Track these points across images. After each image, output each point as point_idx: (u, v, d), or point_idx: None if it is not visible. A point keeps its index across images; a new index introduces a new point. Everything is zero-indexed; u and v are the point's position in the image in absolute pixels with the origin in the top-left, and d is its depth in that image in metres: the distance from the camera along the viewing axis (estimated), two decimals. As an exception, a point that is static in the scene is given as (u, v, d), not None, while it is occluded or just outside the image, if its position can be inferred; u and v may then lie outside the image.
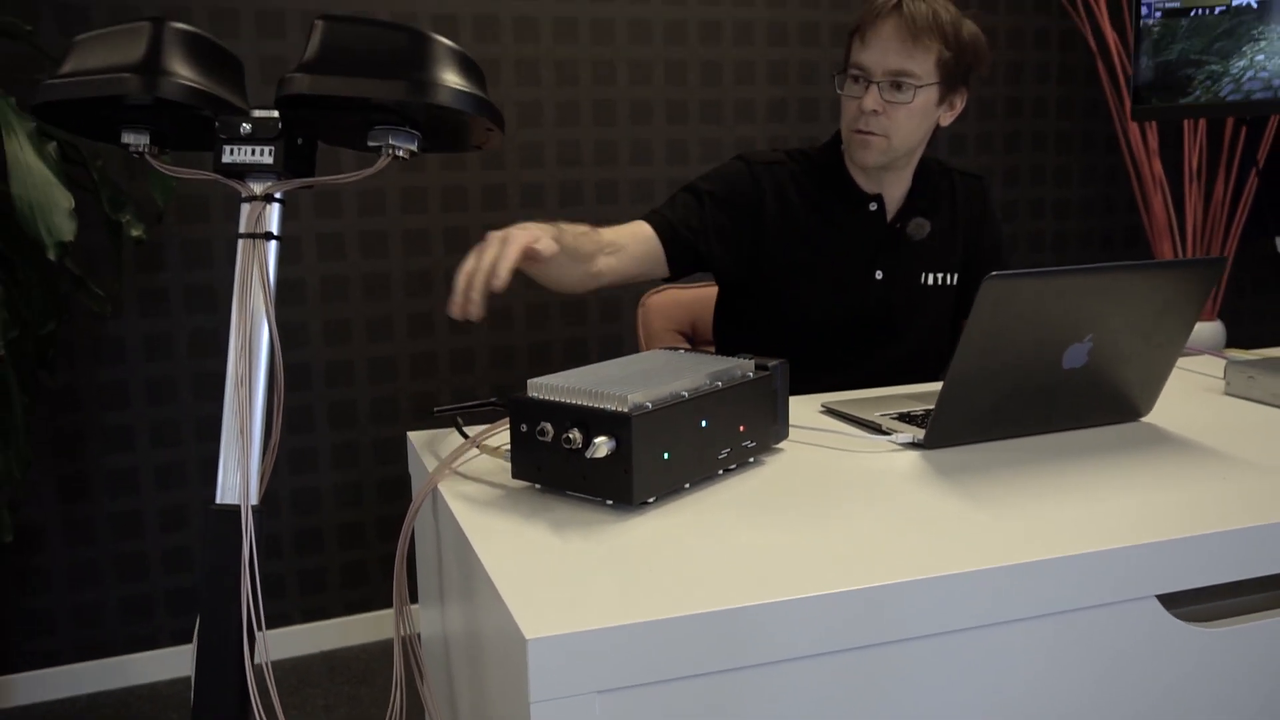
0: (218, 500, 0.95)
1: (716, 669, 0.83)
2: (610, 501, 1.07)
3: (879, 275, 1.75)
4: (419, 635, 1.32)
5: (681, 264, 1.67)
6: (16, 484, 1.93)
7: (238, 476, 0.95)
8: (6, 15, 2.13)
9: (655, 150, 2.74)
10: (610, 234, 1.58)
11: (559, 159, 2.65)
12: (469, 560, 0.99)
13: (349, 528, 2.60)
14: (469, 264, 1.16)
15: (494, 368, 2.66)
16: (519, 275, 1.25)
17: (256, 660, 0.94)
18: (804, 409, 1.45)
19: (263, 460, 0.96)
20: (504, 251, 1.17)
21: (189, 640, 2.49)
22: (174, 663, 2.48)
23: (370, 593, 2.64)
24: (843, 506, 1.05)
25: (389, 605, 2.65)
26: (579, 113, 2.65)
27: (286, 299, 2.45)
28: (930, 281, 1.78)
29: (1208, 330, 3.04)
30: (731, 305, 1.82)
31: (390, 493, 2.63)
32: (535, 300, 2.68)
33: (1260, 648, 1.02)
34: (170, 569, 2.46)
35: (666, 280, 1.71)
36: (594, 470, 1.04)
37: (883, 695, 0.89)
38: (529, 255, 1.23)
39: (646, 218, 1.66)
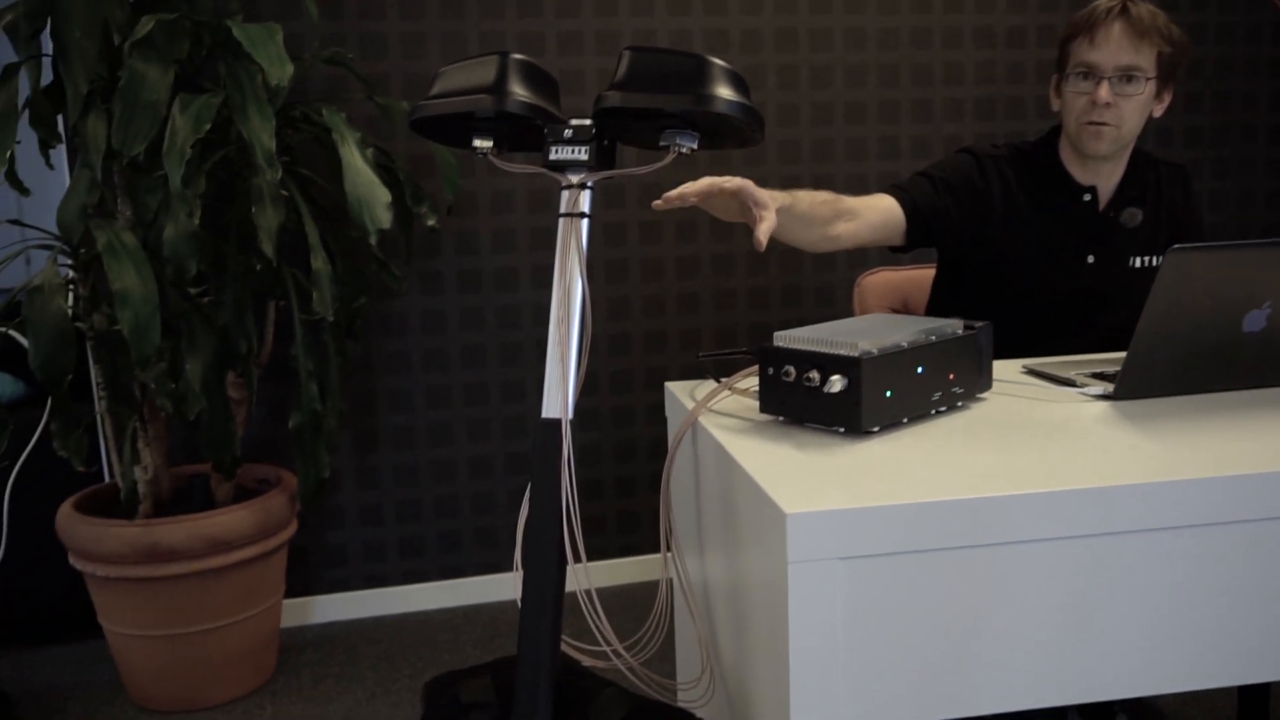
0: (544, 415, 1.26)
1: (936, 547, 1.07)
2: (842, 430, 1.32)
3: (1091, 260, 1.92)
4: (678, 556, 1.61)
5: (914, 238, 1.87)
6: (332, 431, 2.34)
7: (558, 396, 1.25)
8: (331, 47, 2.55)
9: (869, 147, 2.96)
10: (852, 202, 1.78)
11: (779, 158, 2.91)
12: (729, 470, 1.26)
13: (624, 481, 2.93)
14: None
15: (718, 344, 2.94)
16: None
17: (576, 589, 1.23)
18: (1007, 369, 1.66)
19: (576, 384, 1.27)
20: (722, 183, 1.38)
21: (456, 576, 2.88)
22: (442, 595, 2.86)
23: (642, 539, 2.97)
24: (1040, 439, 1.27)
25: (654, 551, 2.97)
26: (798, 114, 2.90)
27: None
28: (1138, 265, 1.94)
29: None
30: (949, 284, 2.02)
31: (659, 450, 2.95)
32: (757, 285, 2.95)
33: None
34: (440, 514, 2.84)
35: (896, 250, 1.91)
36: (829, 404, 1.30)
37: (1073, 585, 1.11)
38: (728, 192, 1.42)
39: (889, 191, 1.87)
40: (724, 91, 1.21)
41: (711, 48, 2.84)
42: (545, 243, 2.80)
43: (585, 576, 1.26)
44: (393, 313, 2.73)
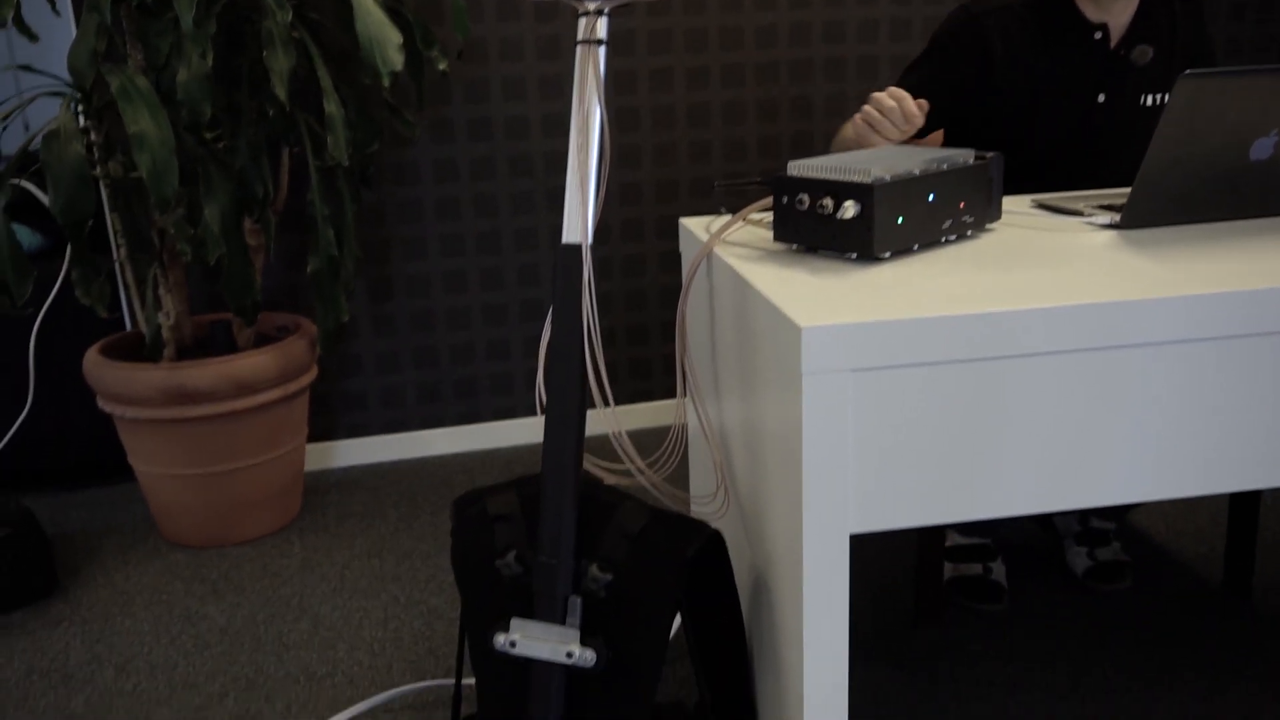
0: (564, 241, 1.29)
1: (945, 360, 1.12)
2: (854, 255, 1.36)
3: (1101, 99, 1.92)
4: (692, 384, 1.66)
5: (937, 118, 1.94)
6: (349, 276, 2.38)
7: (578, 220, 1.29)
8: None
9: (880, 28, 2.92)
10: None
11: None
12: (744, 293, 1.30)
13: (635, 330, 2.98)
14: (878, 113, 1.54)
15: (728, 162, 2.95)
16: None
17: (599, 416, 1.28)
18: (1016, 203, 1.69)
19: (595, 209, 1.30)
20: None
21: (473, 421, 2.96)
22: (458, 440, 2.95)
23: (653, 385, 3.04)
24: (1047, 264, 1.31)
25: (638, 400, 3.05)
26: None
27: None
28: (1149, 103, 1.94)
29: None
30: (961, 130, 2.03)
31: (636, 301, 3.00)
32: (767, 134, 2.94)
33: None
34: (456, 361, 2.91)
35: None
36: (842, 230, 1.33)
37: (1078, 398, 1.16)
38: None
39: (906, 81, 1.93)
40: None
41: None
42: (556, 91, 2.79)
43: (605, 389, 1.32)
44: (405, 161, 2.74)
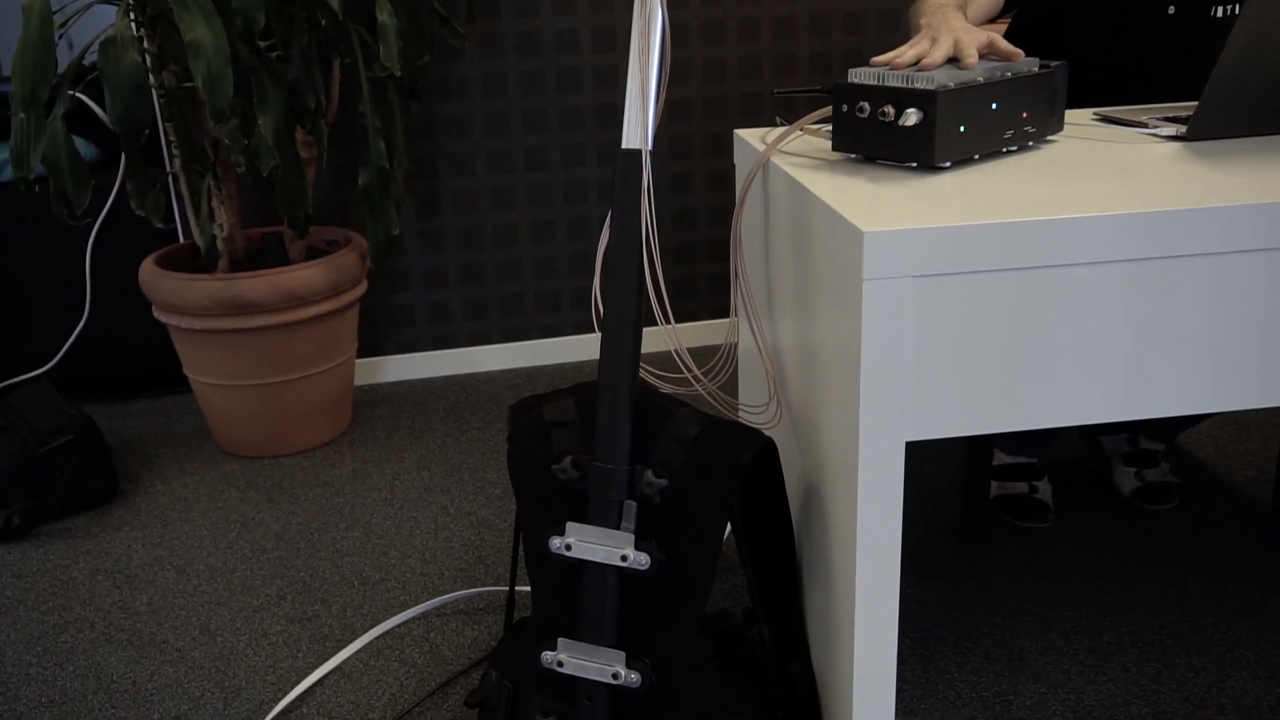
0: (624, 145, 1.29)
1: (1006, 267, 1.11)
2: (915, 164, 1.34)
3: (1171, 10, 1.87)
4: (748, 302, 1.66)
5: (1007, 7, 1.89)
6: (399, 190, 2.38)
7: (638, 127, 1.28)
8: None
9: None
10: None
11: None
12: (803, 201, 1.29)
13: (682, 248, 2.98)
14: (926, 44, 1.42)
15: (814, 73, 2.92)
16: None
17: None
18: (1080, 115, 1.66)
19: (656, 114, 1.29)
20: (970, 41, 1.41)
21: (519, 339, 2.98)
22: (506, 356, 2.97)
23: (696, 305, 3.04)
24: (1109, 174, 1.29)
25: (683, 320, 3.05)
26: None
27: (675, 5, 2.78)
28: (1221, 14, 1.89)
29: None
30: (1027, 45, 1.98)
31: (685, 220, 2.99)
32: (819, 49, 2.89)
33: None
34: (503, 278, 2.92)
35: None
36: (903, 138, 1.32)
37: (1135, 307, 1.15)
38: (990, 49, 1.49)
39: None
40: None
41: None
42: (607, 5, 2.75)
43: (663, 296, 1.32)
44: (453, 75, 2.73)
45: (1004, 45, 1.41)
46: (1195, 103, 1.76)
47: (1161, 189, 1.19)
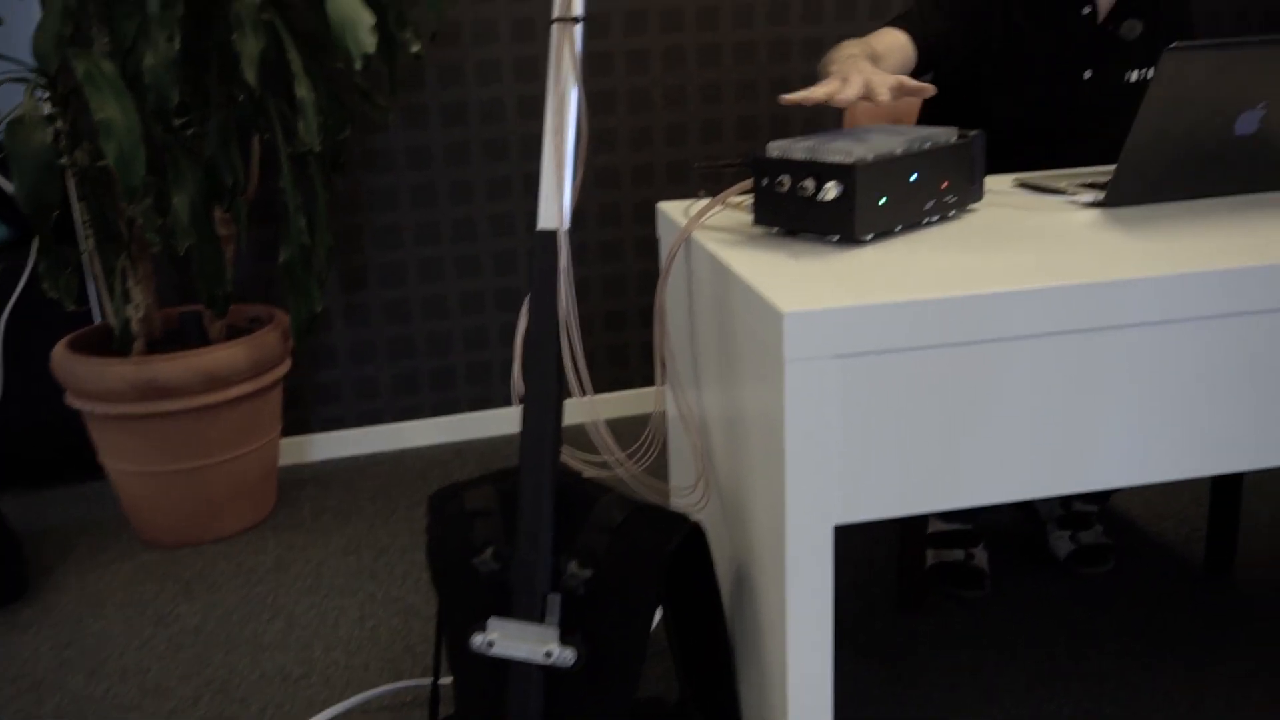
0: (539, 227, 1.26)
1: (930, 344, 1.09)
2: (836, 238, 1.33)
3: (1088, 75, 1.89)
4: (668, 370, 1.63)
5: (922, 67, 1.85)
6: (322, 267, 2.33)
7: (554, 206, 1.25)
8: None
9: (858, 6, 2.88)
10: (877, 46, 1.74)
11: (768, -19, 2.84)
12: (724, 279, 1.27)
13: (613, 315, 2.95)
14: (832, 85, 1.37)
15: (740, 139, 2.92)
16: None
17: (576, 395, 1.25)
18: (1000, 182, 1.66)
19: (571, 193, 1.26)
20: (880, 81, 1.37)
21: (450, 412, 2.92)
22: (434, 432, 2.91)
23: (631, 374, 3.00)
24: (1031, 243, 1.28)
25: (616, 389, 3.01)
26: (788, -65, 2.81)
27: (596, 109, 2.76)
28: (1135, 79, 1.92)
29: None
30: (944, 105, 2.00)
31: (615, 287, 2.96)
32: (746, 114, 2.91)
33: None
34: (432, 351, 2.86)
35: None
36: (823, 212, 1.30)
37: (1064, 380, 1.13)
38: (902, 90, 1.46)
39: (898, 25, 1.83)
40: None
41: None
42: (532, 73, 2.75)
43: (584, 380, 1.28)
44: (377, 147, 2.69)
45: (913, 83, 1.40)
46: (1113, 166, 1.78)
47: (1084, 259, 1.18)
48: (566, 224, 1.25)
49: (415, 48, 2.26)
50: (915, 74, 1.86)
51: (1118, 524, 2.23)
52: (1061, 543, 2.09)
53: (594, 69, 2.79)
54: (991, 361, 1.12)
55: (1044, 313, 1.10)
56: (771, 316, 1.09)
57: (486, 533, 1.29)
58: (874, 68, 1.45)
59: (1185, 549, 2.11)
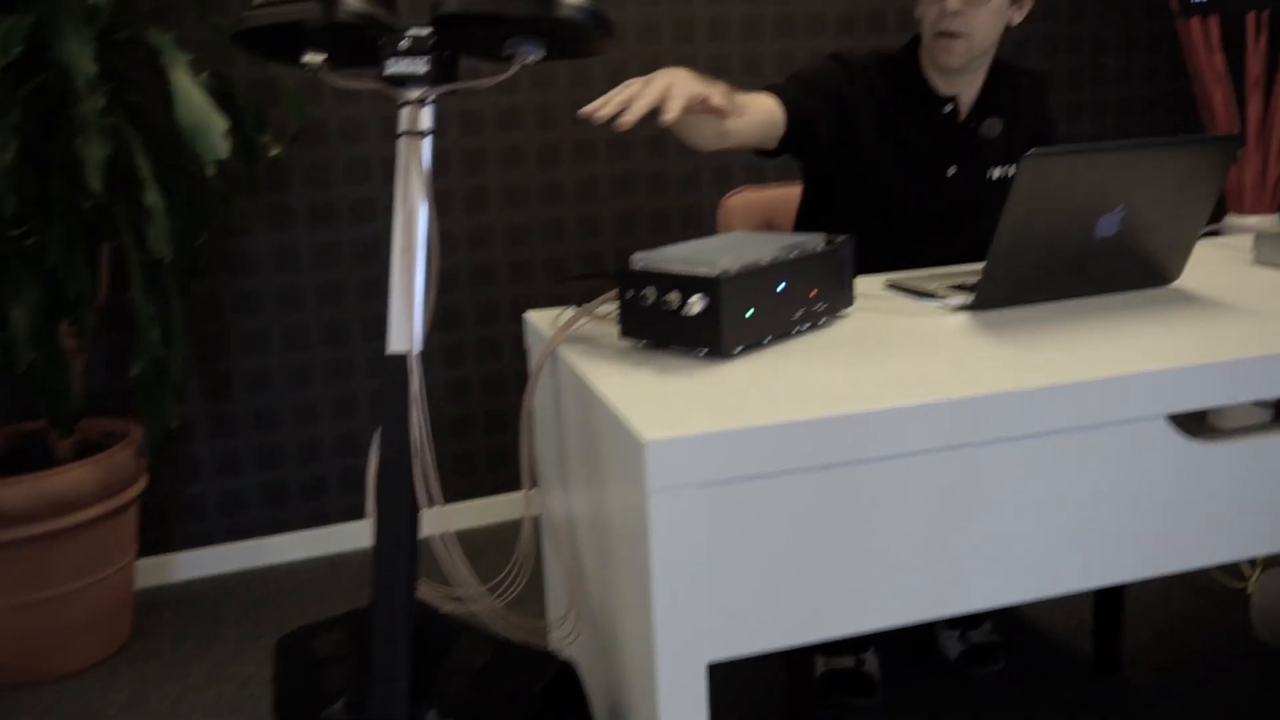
0: (389, 351, 1.18)
1: (798, 468, 1.04)
2: (703, 352, 1.28)
3: (951, 172, 1.91)
4: (537, 491, 1.56)
5: (788, 142, 1.79)
6: (178, 379, 2.21)
7: (404, 329, 1.18)
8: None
9: (732, 64, 2.90)
10: (741, 98, 1.69)
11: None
12: (588, 400, 1.21)
13: (460, 421, 2.86)
14: (635, 86, 1.31)
15: (619, 234, 2.88)
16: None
17: (432, 523, 1.17)
18: (870, 284, 1.64)
19: (424, 316, 1.19)
20: (676, 89, 1.32)
21: (322, 524, 2.78)
22: (307, 545, 2.77)
23: (478, 482, 2.91)
24: (901, 353, 1.25)
25: (494, 493, 2.91)
26: (694, 30, 2.83)
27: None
28: (997, 176, 1.94)
29: (1267, 224, 3.13)
30: (814, 200, 1.98)
31: (492, 386, 2.88)
32: (622, 210, 2.88)
33: (1256, 464, 1.20)
34: (303, 460, 2.74)
35: (766, 155, 1.82)
36: (690, 326, 1.25)
37: (937, 497, 1.09)
38: (703, 105, 1.41)
39: (771, 91, 1.78)
40: (567, -4, 1.14)
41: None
42: (401, 173, 2.69)
43: (440, 519, 1.20)
44: (241, 250, 2.59)
45: (716, 102, 1.38)
46: (982, 263, 1.78)
47: (955, 371, 1.15)
48: (418, 346, 1.18)
49: (275, 151, 2.18)
50: (782, 148, 1.82)
51: (1006, 617, 2.21)
52: (951, 642, 2.05)
53: (470, 168, 2.74)
54: (865, 483, 1.07)
55: (914, 430, 1.07)
56: (633, 444, 1.03)
57: (339, 681, 1.19)
58: (690, 81, 1.38)
59: (1074, 643, 2.09)
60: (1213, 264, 1.67)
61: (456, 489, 2.88)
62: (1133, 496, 1.16)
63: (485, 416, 2.87)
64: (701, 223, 2.97)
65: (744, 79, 2.92)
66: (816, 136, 1.83)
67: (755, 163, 2.97)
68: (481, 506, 2.91)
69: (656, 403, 1.10)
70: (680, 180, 2.92)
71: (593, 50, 1.24)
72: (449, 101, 2.67)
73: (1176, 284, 1.53)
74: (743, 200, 2.19)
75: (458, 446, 2.86)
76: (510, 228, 2.80)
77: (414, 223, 1.19)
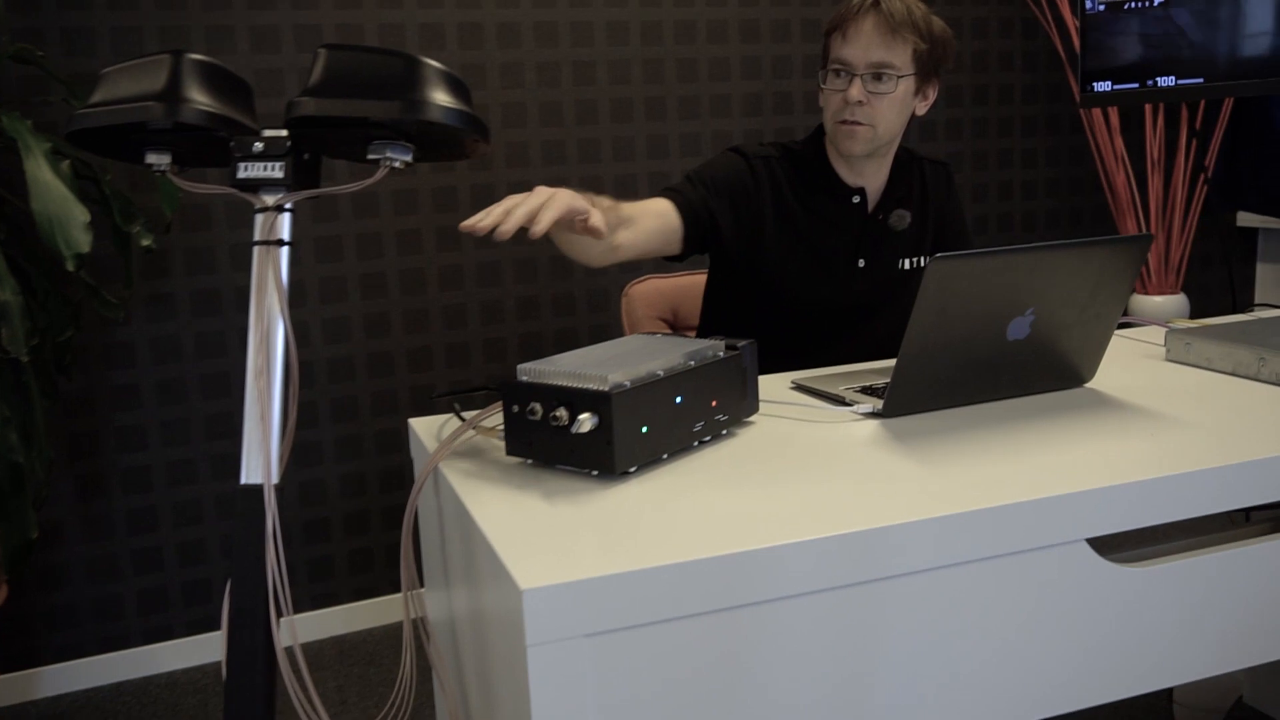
0: (243, 481, 1.07)
1: (692, 612, 0.94)
2: (595, 472, 1.18)
3: (861, 264, 1.85)
4: (424, 618, 1.44)
5: (692, 244, 1.75)
6: (40, 483, 2.04)
7: (259, 459, 1.06)
8: (19, 43, 2.23)
9: (637, 146, 2.85)
10: (629, 208, 1.64)
11: (544, 158, 2.76)
12: (468, 528, 1.10)
13: (354, 517, 2.71)
14: (514, 200, 1.24)
15: (489, 360, 2.77)
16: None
17: (284, 641, 1.05)
18: (775, 386, 1.56)
19: (281, 444, 1.08)
20: (551, 202, 1.26)
21: (204, 630, 2.60)
22: (190, 652, 2.59)
23: (376, 579, 2.76)
24: (807, 470, 1.17)
25: (394, 591, 2.76)
26: (562, 112, 2.76)
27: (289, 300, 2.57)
28: (907, 267, 1.89)
29: (1172, 303, 3.15)
30: (720, 291, 1.91)
31: (392, 482, 2.74)
32: (525, 293, 2.79)
33: (1179, 586, 1.13)
34: (184, 562, 2.57)
35: (671, 259, 1.77)
36: (579, 444, 1.16)
37: (844, 635, 1.00)
38: (581, 224, 1.33)
39: (665, 195, 1.73)
40: (438, 97, 1.05)
41: (466, 42, 2.66)
42: (293, 256, 2.57)
43: (300, 663, 1.08)
44: (117, 341, 2.44)
45: (593, 222, 1.32)
46: (891, 361, 1.72)
47: (867, 495, 1.06)
48: (276, 478, 1.06)
49: (146, 241, 2.05)
50: (686, 252, 1.77)
51: None
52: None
53: (328, 294, 2.63)
54: (768, 625, 0.98)
55: (821, 567, 0.98)
56: (511, 591, 0.93)
57: None
58: (567, 197, 1.31)
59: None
60: (1126, 361, 1.63)
61: (314, 595, 2.71)
62: (1055, 625, 1.08)
63: (346, 519, 2.71)
64: (609, 306, 2.89)
65: (647, 160, 2.87)
66: (719, 234, 1.77)
67: (662, 244, 2.90)
68: (346, 613, 2.74)
69: (540, 537, 1.00)
70: (588, 298, 2.84)
71: (467, 153, 1.15)
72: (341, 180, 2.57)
73: (1091, 384, 1.48)
74: (647, 288, 2.12)
75: (317, 551, 2.70)
76: (372, 355, 2.69)
77: (272, 341, 1.08)
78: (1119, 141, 3.15)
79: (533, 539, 1.00)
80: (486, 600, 1.07)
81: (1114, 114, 3.14)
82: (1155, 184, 3.18)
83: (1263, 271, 3.62)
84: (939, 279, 1.24)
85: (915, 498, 1.05)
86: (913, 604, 1.02)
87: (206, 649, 2.60)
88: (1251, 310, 2.00)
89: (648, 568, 0.93)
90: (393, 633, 2.71)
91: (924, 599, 1.03)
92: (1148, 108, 3.18)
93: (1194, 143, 3.23)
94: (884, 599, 1.01)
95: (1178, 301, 3.16)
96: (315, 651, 2.61)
